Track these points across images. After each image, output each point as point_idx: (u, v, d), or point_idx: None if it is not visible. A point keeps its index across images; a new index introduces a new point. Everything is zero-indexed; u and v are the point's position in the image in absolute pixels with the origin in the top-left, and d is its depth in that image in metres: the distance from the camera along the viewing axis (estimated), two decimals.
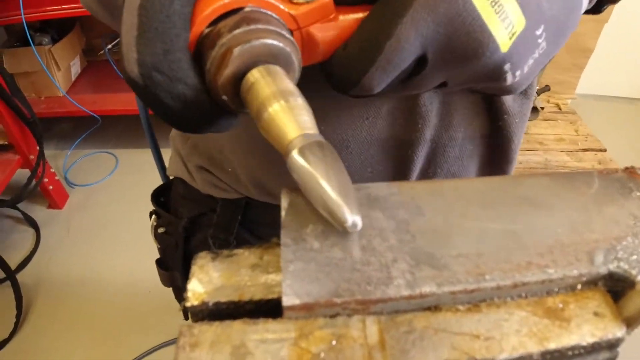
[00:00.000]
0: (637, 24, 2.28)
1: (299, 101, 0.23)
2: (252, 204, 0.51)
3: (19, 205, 1.84)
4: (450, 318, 0.19)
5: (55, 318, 1.54)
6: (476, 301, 0.20)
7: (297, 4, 0.25)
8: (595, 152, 1.88)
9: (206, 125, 0.26)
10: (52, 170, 1.88)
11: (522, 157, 1.83)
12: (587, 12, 0.38)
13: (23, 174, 1.74)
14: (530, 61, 0.28)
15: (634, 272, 0.21)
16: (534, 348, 0.19)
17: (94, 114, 2.00)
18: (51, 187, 1.86)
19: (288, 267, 0.19)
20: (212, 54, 0.23)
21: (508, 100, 0.42)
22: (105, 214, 1.91)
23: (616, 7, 2.02)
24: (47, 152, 1.85)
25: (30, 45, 1.82)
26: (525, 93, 0.43)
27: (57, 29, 2.05)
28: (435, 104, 0.40)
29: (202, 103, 0.24)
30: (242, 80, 0.24)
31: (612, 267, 0.21)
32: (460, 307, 0.19)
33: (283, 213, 0.22)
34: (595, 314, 0.21)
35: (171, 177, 0.60)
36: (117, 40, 2.20)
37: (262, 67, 0.23)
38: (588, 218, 0.24)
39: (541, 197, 0.24)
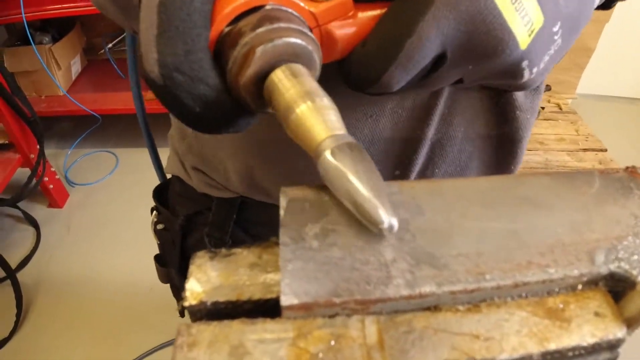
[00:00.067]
0: (638, 24, 2.28)
1: (325, 101, 0.22)
2: (247, 203, 0.51)
3: (20, 204, 1.84)
4: (450, 318, 0.19)
5: (55, 317, 1.54)
6: (476, 301, 0.20)
7: (316, 1, 0.25)
8: (596, 152, 1.88)
9: (225, 125, 0.25)
10: (53, 169, 1.88)
11: (523, 156, 1.83)
12: (598, 7, 0.38)
13: (23, 172, 1.74)
14: (546, 57, 0.28)
15: (634, 272, 0.21)
16: (534, 348, 0.19)
17: (94, 113, 2.00)
18: (51, 186, 1.86)
19: (287, 266, 0.19)
20: (234, 53, 0.23)
21: (520, 96, 0.41)
22: (106, 213, 1.91)
23: (617, 7, 2.02)
24: (48, 151, 1.85)
25: (30, 44, 1.82)
26: (536, 88, 0.43)
27: (57, 28, 2.05)
28: (441, 101, 0.39)
29: (222, 103, 0.24)
30: (264, 80, 0.23)
31: (613, 267, 0.21)
32: (460, 307, 0.19)
33: (282, 212, 0.22)
34: (596, 314, 0.21)
35: (169, 175, 0.61)
36: (118, 39, 2.20)
37: (285, 66, 0.23)
38: (589, 218, 0.24)
39: (542, 197, 0.24)
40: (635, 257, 0.22)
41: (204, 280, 0.20)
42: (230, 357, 0.17)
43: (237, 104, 0.24)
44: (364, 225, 0.21)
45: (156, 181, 0.65)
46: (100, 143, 2.25)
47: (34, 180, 1.73)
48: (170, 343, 1.43)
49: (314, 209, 0.22)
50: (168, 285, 0.65)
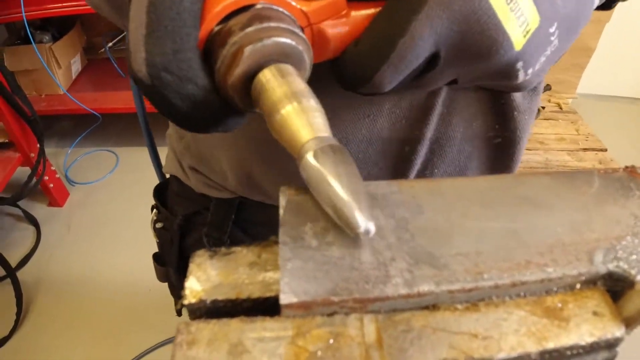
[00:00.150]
0: (638, 24, 2.28)
1: (312, 103, 0.22)
2: (245, 204, 0.51)
3: (20, 203, 1.84)
4: (449, 317, 0.19)
5: (55, 316, 1.54)
6: (475, 300, 0.20)
7: (308, 0, 0.25)
8: (596, 152, 1.88)
9: (214, 125, 0.25)
10: (53, 168, 1.88)
11: (523, 156, 1.82)
12: (598, 7, 0.38)
13: (23, 171, 1.74)
14: (542, 59, 0.28)
15: (633, 271, 0.21)
16: (532, 348, 0.19)
17: (94, 112, 2.00)
18: (51, 185, 1.86)
19: (286, 265, 0.19)
20: (223, 52, 0.22)
21: (517, 97, 0.41)
22: (106, 212, 1.91)
23: (617, 7, 2.02)
24: (48, 150, 1.85)
25: (31, 43, 1.82)
26: (534, 88, 0.43)
27: (57, 27, 2.05)
28: (439, 101, 0.39)
29: (211, 103, 0.24)
30: (252, 79, 0.23)
31: (612, 266, 0.21)
32: (459, 306, 0.19)
33: (281, 211, 0.22)
34: (594, 313, 0.21)
35: (167, 175, 0.61)
36: (118, 38, 2.20)
37: (274, 66, 0.23)
38: (588, 217, 0.24)
39: (541, 197, 0.24)
40: (634, 256, 0.22)
41: (204, 278, 0.20)
42: (230, 355, 0.17)
43: (225, 104, 0.24)
44: None
45: (156, 180, 0.65)
46: (101, 142, 2.25)
47: (34, 179, 1.73)
48: (169, 341, 1.43)
49: (313, 208, 0.22)
50: (167, 284, 0.65)
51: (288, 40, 0.23)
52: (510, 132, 0.43)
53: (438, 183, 0.24)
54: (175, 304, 0.21)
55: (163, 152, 0.61)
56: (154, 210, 0.61)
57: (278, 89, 0.22)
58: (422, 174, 0.44)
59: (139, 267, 1.61)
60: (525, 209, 0.23)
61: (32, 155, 1.73)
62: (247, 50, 0.22)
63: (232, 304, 0.20)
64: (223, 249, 0.22)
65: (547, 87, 2.20)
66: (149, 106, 0.63)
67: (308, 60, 0.24)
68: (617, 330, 0.20)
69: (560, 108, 2.16)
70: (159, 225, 0.60)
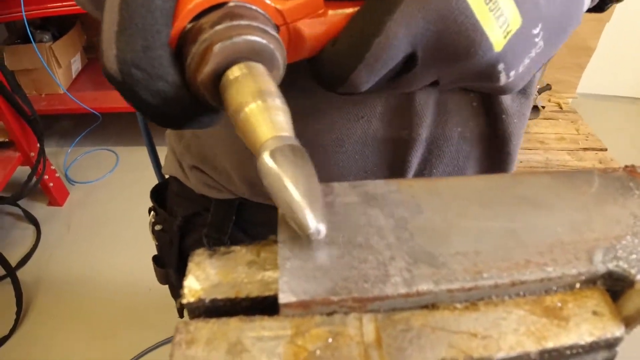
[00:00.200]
0: (638, 23, 2.28)
1: (277, 102, 0.22)
2: (245, 204, 0.51)
3: (20, 203, 1.84)
4: (448, 316, 0.19)
5: (55, 315, 1.54)
6: (474, 299, 0.20)
7: None
8: (596, 152, 1.88)
9: (187, 121, 0.25)
10: (53, 167, 1.88)
11: (523, 156, 1.83)
12: (590, 10, 0.38)
13: (23, 171, 1.74)
14: (527, 61, 0.27)
15: (633, 271, 0.21)
16: (531, 347, 0.19)
17: (94, 112, 2.00)
18: (51, 185, 1.87)
19: (285, 264, 0.19)
20: (193, 50, 0.22)
21: (506, 99, 0.41)
22: (106, 211, 1.91)
23: (618, 7, 2.02)
24: (48, 150, 1.85)
25: (31, 42, 1.82)
26: (524, 92, 0.43)
27: (57, 26, 2.05)
28: (431, 102, 0.39)
29: (181, 99, 0.24)
30: (222, 77, 0.23)
31: (611, 266, 0.21)
32: (458, 306, 0.19)
33: (280, 210, 0.22)
34: (594, 313, 0.21)
35: (167, 176, 0.60)
36: None
37: (243, 64, 0.23)
38: (588, 217, 0.24)
39: (541, 196, 0.24)
40: (634, 256, 0.22)
41: (203, 277, 0.20)
42: (228, 355, 0.17)
43: (196, 101, 0.24)
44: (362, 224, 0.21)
45: (156, 180, 0.65)
46: (101, 141, 2.25)
47: (34, 179, 1.73)
48: (169, 341, 1.43)
49: None
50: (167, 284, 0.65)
51: (258, 39, 0.23)
52: (500, 133, 0.43)
53: (437, 182, 0.24)
54: (177, 303, 0.21)
55: (163, 152, 0.61)
56: (152, 212, 0.61)
57: (245, 86, 0.22)
58: (420, 174, 0.44)
59: (139, 266, 1.61)
60: (524, 209, 0.23)
61: (32, 154, 1.73)
62: (217, 47, 0.22)
63: (231, 303, 0.20)
64: (222, 248, 0.22)
65: (547, 87, 2.20)
66: None
67: (280, 59, 0.24)
68: (617, 330, 0.20)
69: (561, 108, 2.16)
70: (157, 227, 0.60)
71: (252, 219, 0.52)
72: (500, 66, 0.26)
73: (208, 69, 0.22)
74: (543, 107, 2.06)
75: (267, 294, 0.20)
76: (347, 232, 0.21)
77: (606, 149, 1.88)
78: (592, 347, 0.20)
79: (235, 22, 0.22)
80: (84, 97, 2.02)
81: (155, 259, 0.62)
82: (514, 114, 0.42)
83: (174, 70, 0.23)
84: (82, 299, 1.59)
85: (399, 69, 0.26)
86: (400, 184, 0.24)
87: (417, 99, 0.39)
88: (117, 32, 0.22)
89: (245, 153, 0.44)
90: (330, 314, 0.18)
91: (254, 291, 0.20)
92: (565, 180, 0.25)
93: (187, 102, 0.24)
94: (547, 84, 2.22)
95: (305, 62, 0.28)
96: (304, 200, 0.20)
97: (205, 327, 0.18)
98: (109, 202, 1.95)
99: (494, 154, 0.44)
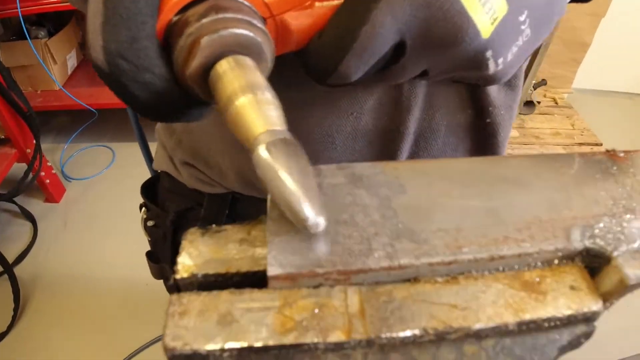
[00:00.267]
0: (634, 18, 2.29)
1: (267, 95, 0.22)
2: (238, 199, 0.51)
3: (16, 199, 1.84)
4: (429, 289, 0.20)
5: (52, 311, 1.54)
6: (454, 274, 0.20)
7: None
8: (591, 147, 1.89)
9: (175, 114, 0.25)
10: (49, 164, 1.88)
11: (518, 150, 1.84)
12: (576, 0, 0.38)
13: (20, 167, 1.74)
14: (514, 49, 0.27)
15: (609, 248, 0.22)
16: (509, 319, 0.20)
17: (90, 108, 1.99)
18: (48, 181, 1.87)
19: (273, 240, 0.20)
20: (180, 43, 0.22)
21: (493, 91, 0.41)
22: (102, 207, 1.91)
23: (613, 2, 2.03)
24: (44, 146, 1.85)
25: (26, 38, 1.81)
26: (509, 84, 0.43)
27: (53, 22, 2.04)
28: (420, 96, 0.40)
29: (170, 92, 0.24)
30: (210, 70, 0.23)
31: (589, 243, 0.22)
32: (439, 279, 0.20)
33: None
34: (572, 287, 0.22)
35: (158, 171, 0.60)
36: None
37: (231, 57, 0.23)
38: (567, 197, 0.24)
39: (522, 177, 0.25)
40: (611, 235, 0.23)
41: (195, 254, 0.21)
42: (219, 325, 0.18)
43: (185, 94, 0.24)
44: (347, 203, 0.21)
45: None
46: (97, 137, 2.25)
47: (31, 175, 1.73)
48: None
49: None
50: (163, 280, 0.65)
51: (245, 32, 0.23)
52: (487, 127, 0.43)
53: (421, 164, 0.25)
54: (170, 280, 0.22)
55: (152, 147, 0.61)
56: (143, 208, 0.61)
57: (234, 80, 0.22)
58: None
59: (136, 262, 1.61)
60: (505, 188, 0.24)
61: (29, 151, 1.73)
62: (204, 41, 0.22)
63: (223, 277, 0.21)
64: (214, 227, 0.23)
65: (543, 82, 2.21)
66: None
67: (268, 52, 0.24)
68: (594, 305, 0.21)
69: (556, 103, 2.17)
70: (150, 223, 0.60)
71: (244, 213, 0.52)
72: (489, 53, 0.26)
73: (196, 62, 0.22)
74: (539, 102, 2.07)
75: (256, 269, 0.21)
76: (333, 210, 0.22)
77: (601, 144, 1.89)
78: (570, 321, 0.21)
79: (221, 15, 0.22)
80: (79, 93, 2.02)
81: (148, 255, 0.62)
82: (501, 106, 0.42)
83: (161, 62, 0.23)
84: (79, 294, 1.59)
85: (387, 59, 0.26)
86: (385, 166, 0.25)
87: (406, 93, 0.39)
88: (102, 24, 0.22)
89: (238, 147, 0.44)
90: (316, 286, 0.19)
91: (244, 266, 0.21)
92: (546, 162, 0.26)
93: (176, 95, 0.24)
94: (543, 79, 2.23)
95: (292, 56, 0.28)
96: (301, 192, 0.20)
97: (197, 300, 0.19)
98: (105, 199, 1.95)
99: (483, 146, 0.45)
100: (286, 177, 0.20)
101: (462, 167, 0.25)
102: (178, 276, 0.20)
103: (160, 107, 0.24)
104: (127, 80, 0.23)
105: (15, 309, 1.51)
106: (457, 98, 0.41)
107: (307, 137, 0.41)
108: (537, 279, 0.21)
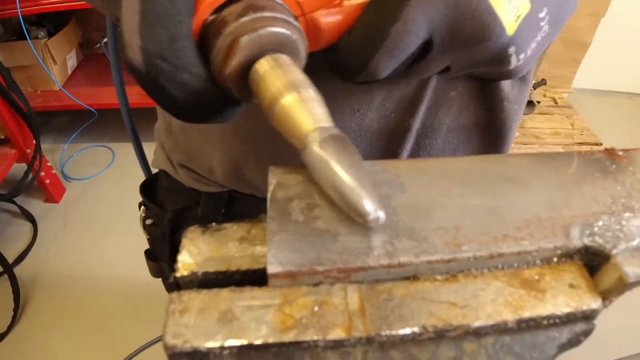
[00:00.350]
0: (633, 18, 2.29)
1: (311, 93, 0.23)
2: (235, 197, 0.51)
3: (16, 199, 1.84)
4: (429, 287, 0.20)
5: (52, 311, 1.54)
6: (454, 272, 0.20)
7: None
8: (591, 146, 1.89)
9: (210, 114, 0.25)
10: (49, 164, 1.88)
11: (518, 150, 1.84)
12: None
13: (20, 168, 1.74)
14: (533, 44, 0.28)
15: (608, 246, 0.22)
16: (509, 316, 0.20)
17: (90, 108, 2.00)
18: (48, 181, 1.87)
19: (273, 238, 0.20)
20: (218, 43, 0.22)
21: (506, 86, 0.41)
22: (102, 208, 1.91)
23: (613, 2, 2.03)
24: (44, 146, 1.85)
25: (26, 39, 1.81)
26: (523, 78, 0.43)
27: (53, 22, 2.04)
28: (428, 93, 0.40)
29: (207, 92, 0.24)
30: (249, 69, 0.23)
31: (588, 241, 0.22)
32: (438, 277, 0.20)
33: (271, 188, 0.23)
34: (571, 285, 0.22)
35: (156, 170, 0.60)
36: None
37: (270, 56, 0.23)
38: (566, 196, 0.24)
39: (522, 176, 0.25)
40: (610, 233, 0.23)
41: (196, 252, 0.21)
42: (219, 323, 0.18)
43: (222, 94, 0.24)
44: None
45: None
46: (97, 138, 2.25)
47: (31, 175, 1.73)
48: None
49: (300, 187, 0.23)
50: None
51: (283, 30, 0.23)
52: (499, 121, 0.43)
53: (422, 163, 0.25)
54: (170, 278, 0.22)
55: (149, 148, 0.61)
56: (142, 207, 0.61)
57: (276, 79, 0.22)
58: None
59: (136, 262, 1.61)
60: (504, 187, 0.24)
61: (28, 151, 1.73)
62: (243, 40, 0.22)
63: (223, 276, 0.21)
64: (214, 225, 0.23)
65: (543, 82, 2.21)
66: (132, 102, 0.63)
67: (303, 49, 0.25)
68: (593, 302, 0.21)
69: (556, 102, 2.17)
70: (148, 221, 0.60)
71: (241, 212, 0.52)
72: (512, 49, 0.27)
73: (235, 62, 0.22)
74: (538, 102, 2.07)
75: (256, 267, 0.21)
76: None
77: (601, 144, 1.89)
78: (569, 318, 0.21)
79: (259, 14, 0.22)
80: (79, 93, 2.02)
81: (147, 253, 0.62)
82: (514, 100, 0.43)
83: (198, 61, 0.23)
84: (79, 294, 1.59)
85: (415, 55, 0.26)
86: (386, 165, 0.25)
87: (415, 90, 0.39)
88: (139, 22, 0.21)
89: (233, 148, 0.44)
90: (316, 284, 0.19)
91: (244, 264, 0.21)
92: (545, 161, 0.26)
93: (213, 95, 0.24)
94: (543, 79, 2.23)
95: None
96: (359, 188, 0.20)
97: (198, 298, 0.19)
98: (105, 199, 1.95)
99: (489, 143, 0.45)
100: (343, 173, 0.20)
101: (461, 166, 0.25)
102: (178, 274, 0.21)
103: (197, 107, 0.24)
104: (165, 81, 0.22)
105: (15, 309, 1.51)
106: (466, 95, 0.41)
107: None
108: (537, 277, 0.22)
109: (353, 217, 0.21)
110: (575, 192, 0.25)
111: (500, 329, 0.20)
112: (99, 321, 1.51)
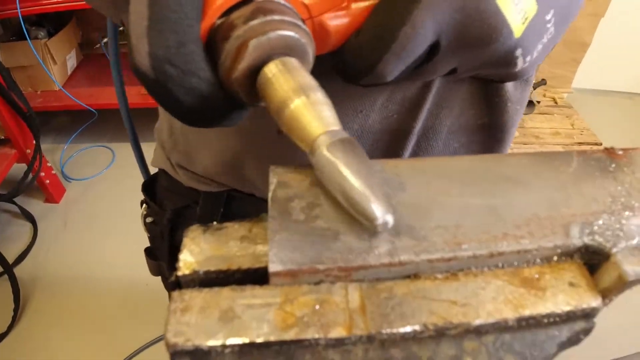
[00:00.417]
0: (633, 18, 2.29)
1: (320, 96, 0.22)
2: (234, 197, 0.51)
3: (16, 200, 1.84)
4: (429, 286, 0.20)
5: (52, 311, 1.54)
6: (454, 270, 0.21)
7: None
8: (590, 146, 1.89)
9: (217, 119, 0.25)
10: (49, 164, 1.88)
11: (517, 150, 1.84)
12: None
13: (20, 168, 1.74)
14: (540, 46, 0.28)
15: (608, 244, 0.22)
16: (509, 314, 0.20)
17: (90, 108, 2.00)
18: (48, 181, 1.87)
19: (274, 237, 0.20)
20: (227, 46, 0.22)
21: (509, 87, 0.41)
22: (102, 208, 1.91)
23: (613, 2, 2.03)
24: (44, 146, 1.85)
25: (26, 39, 1.81)
26: (526, 79, 0.44)
27: (53, 22, 2.04)
28: (431, 94, 0.40)
29: (215, 97, 0.24)
30: (257, 73, 0.23)
31: (587, 239, 0.22)
32: (439, 276, 0.20)
33: (272, 187, 0.23)
34: (571, 284, 0.22)
35: (156, 169, 0.60)
36: None
37: (279, 60, 0.23)
38: (566, 195, 0.25)
39: (521, 175, 0.25)
40: (610, 232, 0.23)
41: (197, 251, 0.21)
42: (221, 321, 0.18)
43: (229, 97, 0.24)
44: None
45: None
46: (97, 138, 2.25)
47: (30, 176, 1.73)
48: None
49: (301, 186, 0.23)
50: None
51: (292, 33, 0.23)
52: (501, 122, 0.43)
53: (421, 162, 0.25)
54: (170, 278, 0.22)
55: (147, 149, 0.61)
56: (144, 205, 0.61)
57: (285, 83, 0.22)
58: None
59: (136, 262, 1.60)
60: (504, 186, 0.24)
61: (28, 151, 1.73)
62: (252, 44, 0.22)
63: (224, 274, 0.21)
64: (216, 224, 0.23)
65: (543, 82, 2.21)
66: (132, 102, 0.63)
67: (311, 52, 0.25)
68: (593, 301, 0.21)
69: (556, 102, 2.17)
70: (149, 219, 0.60)
71: (240, 212, 0.52)
72: (518, 52, 0.27)
73: (243, 65, 0.22)
74: (538, 102, 2.07)
75: (257, 265, 0.21)
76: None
77: (601, 144, 1.89)
78: (569, 317, 0.21)
79: (268, 18, 0.22)
80: (79, 93, 2.02)
81: (147, 251, 0.62)
82: (517, 101, 0.43)
83: (206, 66, 0.23)
84: (79, 294, 1.59)
85: (423, 58, 0.26)
86: (386, 164, 0.25)
87: (418, 92, 0.39)
88: (147, 27, 0.21)
89: (234, 149, 0.44)
90: (317, 283, 0.19)
91: (246, 263, 0.21)
92: (545, 161, 0.26)
93: (220, 99, 0.24)
94: (543, 79, 2.23)
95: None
96: (368, 192, 0.20)
97: (199, 296, 0.19)
98: (105, 199, 1.95)
99: (490, 144, 0.45)
100: (352, 177, 0.20)
101: (461, 166, 0.25)
102: (180, 273, 0.21)
103: (204, 111, 0.24)
104: (173, 86, 0.22)
105: (15, 309, 1.51)
106: (468, 96, 0.41)
107: None
108: (537, 276, 0.22)
109: (361, 222, 0.21)
110: (575, 191, 0.25)
111: (500, 327, 0.20)
112: (99, 321, 1.51)
